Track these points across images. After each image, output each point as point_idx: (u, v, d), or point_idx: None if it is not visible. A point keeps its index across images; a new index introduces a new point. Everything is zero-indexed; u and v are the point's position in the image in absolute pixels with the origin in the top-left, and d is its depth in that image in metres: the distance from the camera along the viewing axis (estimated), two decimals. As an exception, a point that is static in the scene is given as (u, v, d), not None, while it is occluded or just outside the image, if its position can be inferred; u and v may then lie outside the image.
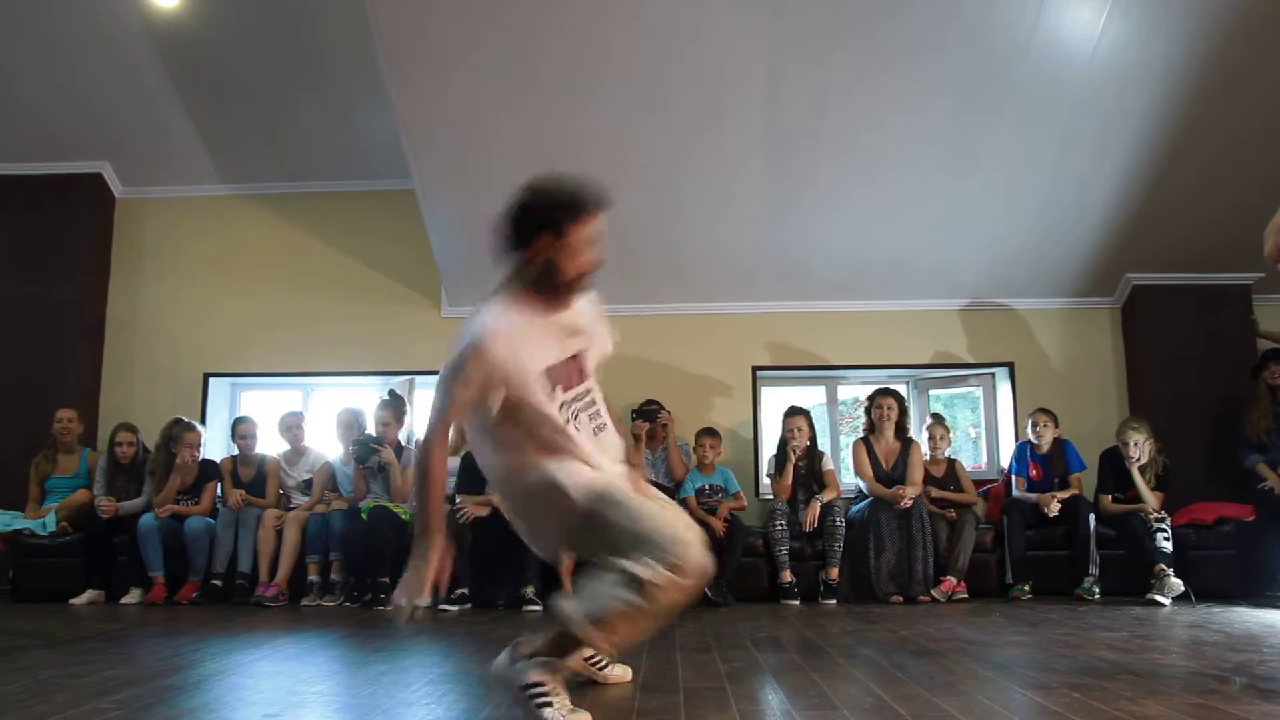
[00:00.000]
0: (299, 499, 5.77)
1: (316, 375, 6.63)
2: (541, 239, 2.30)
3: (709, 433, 5.69)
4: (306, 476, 5.85)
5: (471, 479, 5.27)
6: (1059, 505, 5.31)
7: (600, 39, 4.96)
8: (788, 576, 5.19)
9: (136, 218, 6.69)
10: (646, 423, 5.67)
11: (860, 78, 5.14)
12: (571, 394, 2.34)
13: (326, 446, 6.03)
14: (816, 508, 5.36)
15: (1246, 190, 5.58)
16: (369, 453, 5.42)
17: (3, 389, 6.24)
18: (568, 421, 2.29)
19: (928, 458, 5.74)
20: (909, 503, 5.27)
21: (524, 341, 2.25)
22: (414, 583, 2.13)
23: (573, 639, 2.20)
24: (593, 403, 2.42)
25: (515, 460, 2.31)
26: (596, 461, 2.33)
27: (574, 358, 2.39)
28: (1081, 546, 5.26)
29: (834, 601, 5.14)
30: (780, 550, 5.24)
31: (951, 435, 5.92)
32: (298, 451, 5.94)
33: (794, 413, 5.65)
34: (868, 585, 5.20)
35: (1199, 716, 2.16)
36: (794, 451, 5.52)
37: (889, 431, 5.62)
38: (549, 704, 2.20)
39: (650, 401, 5.83)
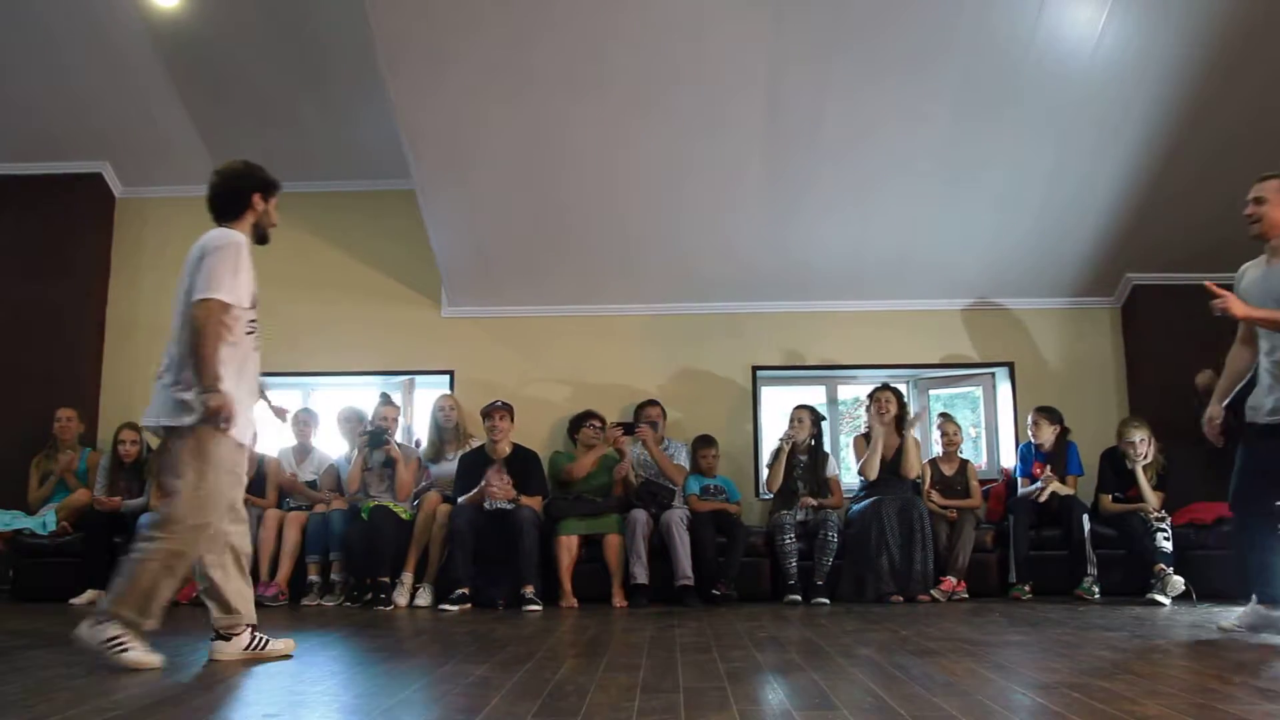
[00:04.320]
0: (302, 497, 5.76)
1: (316, 375, 6.63)
2: (255, 197, 3.26)
3: (707, 442, 5.75)
4: (311, 477, 5.86)
5: (468, 480, 5.29)
6: (1049, 492, 5.33)
7: (601, 40, 4.96)
8: (796, 592, 5.15)
9: (136, 218, 6.69)
10: (627, 435, 5.57)
11: (861, 78, 5.14)
12: (252, 313, 3.18)
13: (331, 446, 6.04)
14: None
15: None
16: (381, 440, 5.43)
17: (3, 389, 6.24)
18: (249, 333, 3.16)
19: (939, 455, 5.80)
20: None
21: (250, 263, 3.16)
22: (220, 404, 2.94)
23: (141, 596, 2.88)
24: (258, 326, 3.25)
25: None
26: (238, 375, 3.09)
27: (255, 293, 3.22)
28: (1077, 548, 5.27)
29: (826, 601, 5.13)
30: (789, 564, 5.23)
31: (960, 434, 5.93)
32: (304, 449, 5.94)
33: (800, 406, 5.73)
34: (868, 585, 5.21)
35: (1199, 716, 2.16)
36: (786, 441, 5.55)
37: (887, 424, 5.66)
38: (127, 650, 2.86)
39: (638, 407, 5.79)
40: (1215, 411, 3.71)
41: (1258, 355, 3.59)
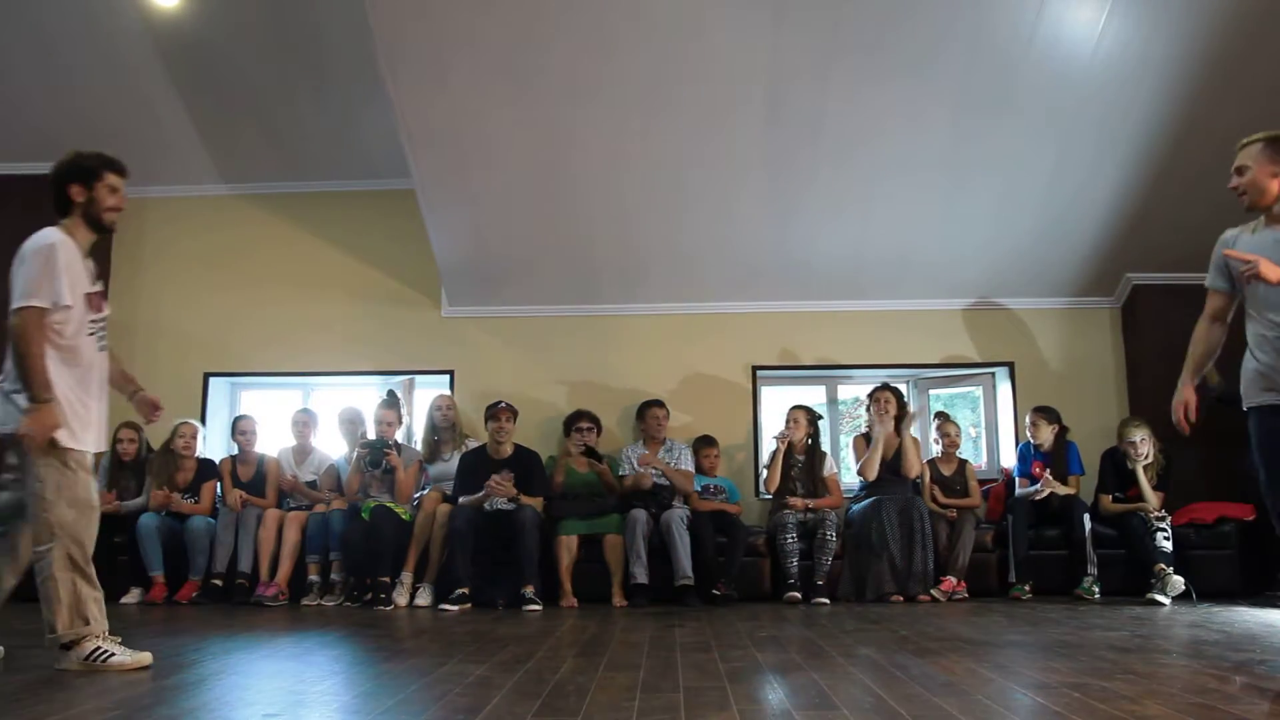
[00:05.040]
0: (302, 497, 5.76)
1: (316, 375, 6.63)
2: (73, 190, 3.12)
3: (707, 442, 5.81)
4: (311, 477, 5.86)
5: (469, 480, 5.28)
6: (1048, 492, 5.33)
7: (601, 39, 4.96)
8: (797, 595, 5.12)
9: (136, 218, 6.66)
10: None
11: (862, 79, 5.13)
12: (93, 314, 3.09)
13: (331, 446, 6.04)
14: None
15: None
16: (381, 456, 5.42)
17: (3, 389, 6.23)
18: (90, 335, 3.06)
19: (938, 455, 5.81)
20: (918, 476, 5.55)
21: (76, 261, 3.07)
22: (45, 420, 2.84)
23: (70, 609, 2.93)
24: (105, 328, 3.16)
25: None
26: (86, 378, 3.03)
27: (98, 293, 3.14)
28: (1078, 548, 5.27)
29: (826, 601, 5.12)
30: (790, 563, 5.22)
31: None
32: (304, 450, 5.94)
33: (796, 406, 5.73)
34: (868, 585, 5.20)
35: (1199, 716, 2.16)
36: (781, 440, 5.55)
37: (888, 424, 5.66)
38: (110, 656, 2.91)
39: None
40: (1189, 396, 3.44)
41: (1225, 333, 3.47)
